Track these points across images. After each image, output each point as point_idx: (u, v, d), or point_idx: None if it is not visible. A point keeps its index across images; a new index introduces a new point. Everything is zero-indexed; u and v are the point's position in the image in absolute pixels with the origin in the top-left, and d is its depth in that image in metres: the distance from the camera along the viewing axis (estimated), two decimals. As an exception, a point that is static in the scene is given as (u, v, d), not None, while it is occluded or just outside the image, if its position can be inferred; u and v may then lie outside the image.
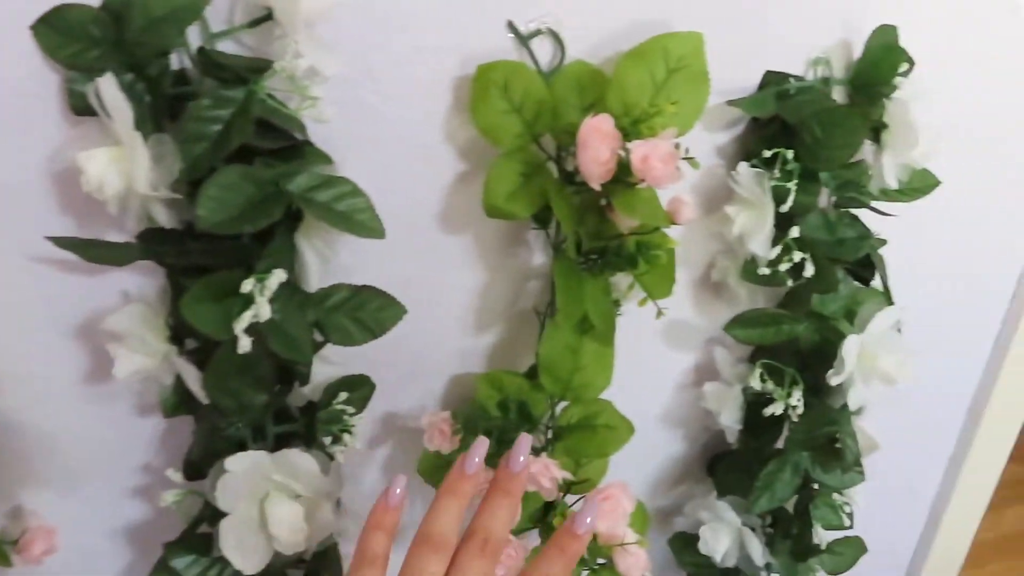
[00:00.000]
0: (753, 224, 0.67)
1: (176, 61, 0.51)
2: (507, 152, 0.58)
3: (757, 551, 0.73)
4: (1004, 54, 0.76)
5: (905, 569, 1.06)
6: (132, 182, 0.49)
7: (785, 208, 0.65)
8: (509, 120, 0.58)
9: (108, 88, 0.47)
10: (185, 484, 0.59)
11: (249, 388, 0.54)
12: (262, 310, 0.49)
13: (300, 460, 0.56)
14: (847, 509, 0.77)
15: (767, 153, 0.65)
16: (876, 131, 0.69)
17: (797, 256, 0.66)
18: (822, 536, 0.76)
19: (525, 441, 0.42)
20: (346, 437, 0.59)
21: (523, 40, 0.59)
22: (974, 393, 0.95)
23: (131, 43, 0.48)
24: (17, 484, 0.61)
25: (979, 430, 0.94)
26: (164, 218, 0.52)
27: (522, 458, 0.41)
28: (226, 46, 0.52)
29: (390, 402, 0.68)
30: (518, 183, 0.58)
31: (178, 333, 0.56)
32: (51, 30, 0.47)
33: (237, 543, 0.56)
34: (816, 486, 0.75)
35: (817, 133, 0.65)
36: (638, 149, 0.55)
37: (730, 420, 0.73)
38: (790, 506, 0.75)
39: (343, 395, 0.60)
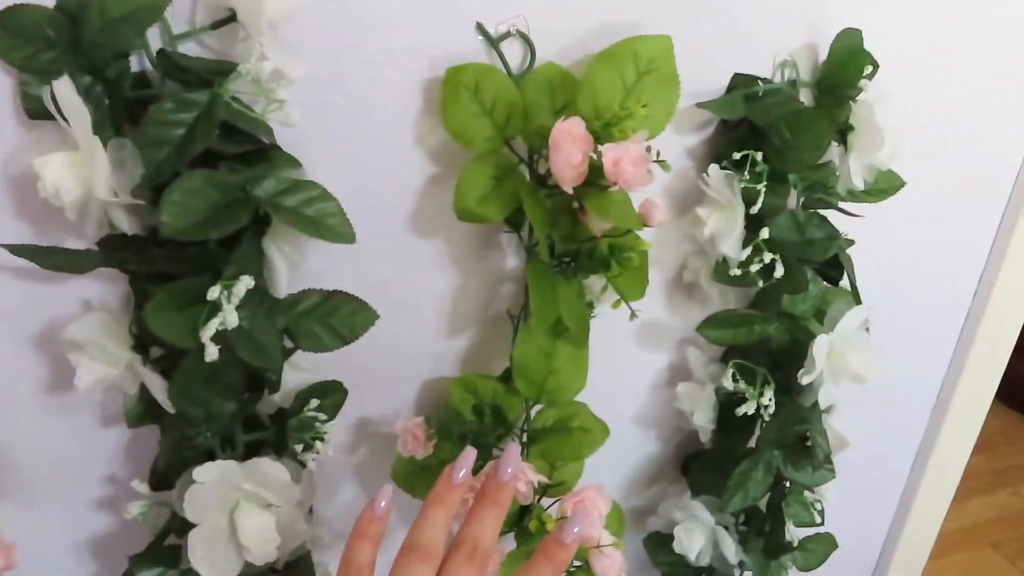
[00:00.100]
0: (724, 226, 0.66)
1: (136, 63, 0.49)
2: (479, 155, 0.57)
3: (731, 549, 0.73)
4: (965, 57, 0.76)
5: (874, 562, 1.06)
6: (91, 188, 0.47)
7: (755, 210, 0.65)
8: (480, 123, 0.57)
9: (64, 91, 0.45)
10: (151, 495, 0.57)
11: (217, 397, 0.52)
12: (229, 317, 0.47)
13: (271, 469, 0.55)
14: (818, 506, 0.77)
15: (737, 155, 0.65)
16: (842, 133, 0.69)
17: (767, 257, 0.66)
18: (794, 533, 0.76)
19: (514, 452, 0.41)
20: (318, 444, 0.58)
21: (493, 42, 0.58)
22: (939, 389, 0.96)
23: (88, 45, 0.46)
24: (-25, 498, 0.59)
25: (944, 425, 0.95)
26: (125, 224, 0.49)
27: (510, 469, 0.41)
28: (188, 48, 0.50)
29: (363, 408, 0.67)
30: (490, 186, 0.57)
31: (142, 341, 0.54)
32: (3, 31, 0.45)
33: (206, 554, 0.54)
34: (788, 484, 0.75)
35: (785, 135, 0.65)
36: (610, 152, 0.54)
37: (703, 420, 0.73)
38: (763, 504, 0.75)
39: (314, 402, 0.58)
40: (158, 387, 0.52)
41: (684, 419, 0.77)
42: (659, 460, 0.81)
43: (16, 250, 0.49)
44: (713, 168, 0.66)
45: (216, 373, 0.49)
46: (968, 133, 0.81)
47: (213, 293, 0.47)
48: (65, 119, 0.46)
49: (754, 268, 0.66)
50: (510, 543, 0.65)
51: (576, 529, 0.40)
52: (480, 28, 0.57)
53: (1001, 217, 0.88)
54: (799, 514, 0.76)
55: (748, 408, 0.69)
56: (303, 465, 0.58)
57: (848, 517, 0.89)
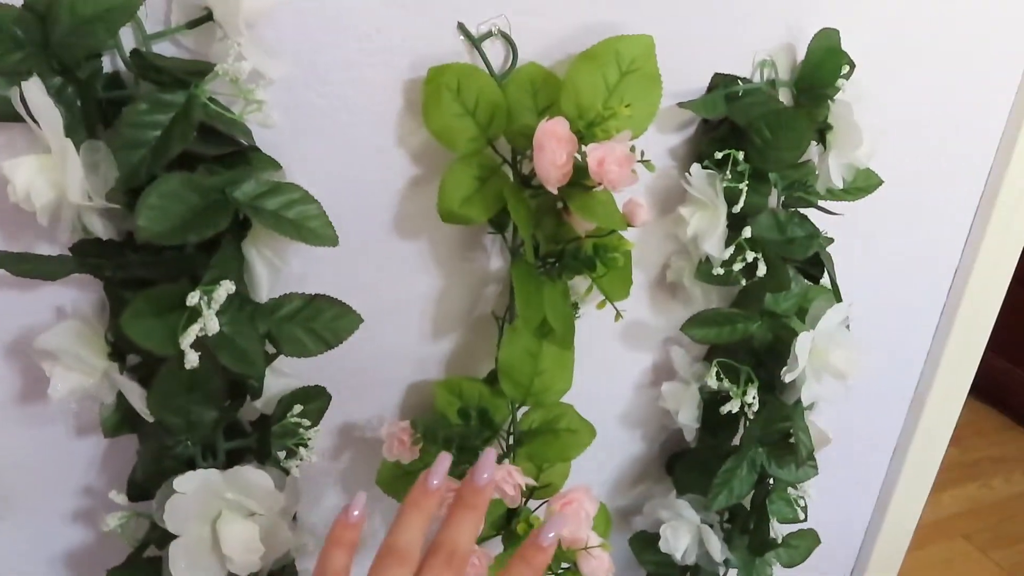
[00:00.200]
0: (707, 225, 0.66)
1: (108, 63, 0.48)
2: (462, 156, 0.56)
3: (716, 548, 0.72)
4: (936, 56, 0.77)
5: (855, 555, 1.07)
6: (64, 192, 0.45)
7: (737, 209, 0.64)
8: (463, 123, 0.56)
9: (34, 92, 0.43)
10: (129, 506, 0.55)
11: (198, 404, 0.50)
12: (210, 323, 0.45)
13: (254, 477, 0.53)
14: (801, 503, 0.77)
15: (718, 155, 0.64)
16: (821, 132, 0.69)
17: (750, 256, 0.65)
18: (778, 530, 0.76)
19: (490, 456, 0.41)
20: (302, 451, 0.56)
21: (475, 42, 0.57)
22: (916, 384, 0.96)
23: (58, 45, 0.44)
24: (-54, 513, 0.56)
25: (922, 419, 0.95)
26: (100, 229, 0.48)
27: (486, 474, 0.41)
28: (162, 48, 0.48)
29: (347, 412, 0.65)
30: (474, 187, 0.56)
31: (119, 349, 0.52)
32: (-32, 31, 0.43)
33: (188, 566, 0.52)
34: (771, 481, 0.74)
35: (766, 134, 0.64)
36: (594, 152, 0.53)
37: (688, 419, 0.72)
38: (747, 502, 0.75)
39: (298, 408, 0.56)
40: (136, 396, 0.50)
41: (668, 418, 0.76)
42: (644, 459, 0.80)
43: (-15, 257, 0.47)
44: (695, 168, 0.65)
45: (196, 380, 0.48)
46: (940, 131, 0.81)
47: (193, 299, 0.45)
48: (36, 121, 0.44)
49: (737, 267, 0.65)
50: (498, 546, 0.64)
51: (551, 534, 0.40)
52: (462, 28, 0.56)
53: (974, 214, 0.89)
54: (782, 511, 0.76)
55: (732, 406, 0.68)
56: (287, 472, 0.56)
57: (829, 512, 0.89)
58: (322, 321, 0.53)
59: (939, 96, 0.79)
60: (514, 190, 0.57)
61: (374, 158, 0.58)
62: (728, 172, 0.64)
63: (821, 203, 0.72)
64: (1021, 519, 1.74)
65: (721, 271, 0.66)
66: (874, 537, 1.03)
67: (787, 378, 0.68)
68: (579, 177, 0.55)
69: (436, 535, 0.40)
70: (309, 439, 0.56)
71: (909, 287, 0.89)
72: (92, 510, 0.60)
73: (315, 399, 0.58)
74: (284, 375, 0.58)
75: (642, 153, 0.56)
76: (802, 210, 0.71)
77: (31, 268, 0.48)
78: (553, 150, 0.53)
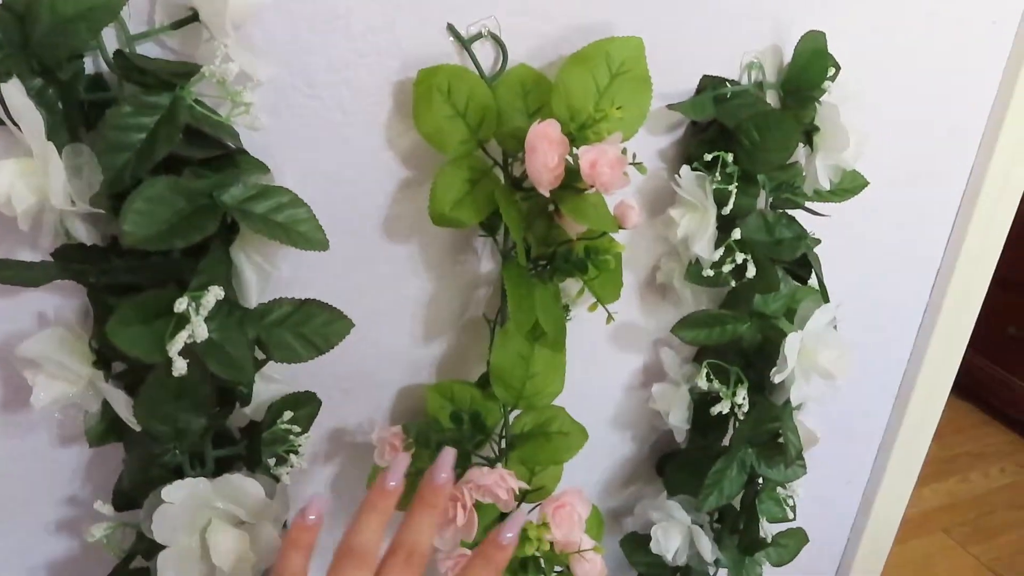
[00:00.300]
0: (696, 226, 0.65)
1: (91, 65, 0.46)
2: (453, 158, 0.55)
3: (707, 548, 0.72)
4: (920, 60, 0.77)
5: (841, 552, 1.07)
6: (46, 196, 0.43)
7: (726, 210, 0.64)
8: (454, 125, 0.54)
9: (14, 94, 0.41)
10: (115, 516, 0.53)
11: (186, 412, 0.48)
12: (198, 330, 0.44)
13: (244, 485, 0.51)
14: (790, 502, 0.76)
15: (708, 156, 0.64)
16: (808, 134, 0.69)
17: (739, 257, 0.65)
18: (767, 529, 0.75)
19: (448, 455, 0.42)
20: (292, 458, 0.55)
21: (464, 44, 0.56)
22: (899, 382, 0.96)
23: (39, 45, 0.42)
24: (-74, 525, 0.54)
25: (906, 416, 0.96)
26: (83, 234, 0.46)
27: (444, 474, 0.41)
28: (146, 49, 0.47)
29: (337, 417, 0.64)
30: (465, 190, 0.55)
31: (104, 356, 0.50)
32: (-57, 30, 0.41)
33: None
34: (761, 481, 0.74)
35: (754, 136, 0.64)
36: (586, 154, 0.52)
37: (678, 420, 0.71)
38: (736, 502, 0.74)
39: (288, 414, 0.55)
40: (122, 404, 0.48)
41: (658, 419, 0.76)
42: (634, 461, 0.80)
43: (-35, 263, 0.45)
44: (685, 169, 0.64)
45: (184, 388, 0.46)
46: (921, 133, 0.81)
47: (181, 305, 0.43)
48: (16, 124, 0.42)
49: (726, 268, 0.65)
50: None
51: (510, 534, 0.40)
52: (451, 29, 0.55)
53: (955, 216, 0.89)
54: (772, 510, 0.76)
55: (723, 407, 0.68)
56: (277, 479, 0.55)
57: (815, 510, 0.89)
58: (313, 326, 0.51)
59: (920, 99, 0.79)
60: (505, 193, 0.56)
61: (364, 160, 0.56)
62: (717, 174, 0.64)
63: (808, 204, 0.71)
64: (999, 514, 1.76)
65: (711, 272, 0.65)
66: (860, 533, 1.03)
67: (776, 379, 0.67)
68: (571, 179, 0.54)
69: (395, 535, 0.40)
70: (299, 446, 0.55)
71: (893, 287, 0.89)
72: (76, 520, 0.58)
73: (305, 405, 0.57)
74: (273, 381, 0.56)
75: (634, 156, 0.55)
76: (789, 211, 0.70)
77: (13, 275, 0.46)
78: (545, 152, 0.52)
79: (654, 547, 0.73)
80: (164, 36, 0.47)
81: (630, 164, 0.54)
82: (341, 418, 0.64)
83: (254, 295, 0.52)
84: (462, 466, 0.58)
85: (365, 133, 0.56)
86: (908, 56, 0.76)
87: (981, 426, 2.06)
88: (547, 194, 0.53)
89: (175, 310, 0.44)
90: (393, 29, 0.53)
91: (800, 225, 0.69)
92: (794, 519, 0.77)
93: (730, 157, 0.63)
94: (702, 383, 0.69)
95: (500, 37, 0.56)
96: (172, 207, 0.44)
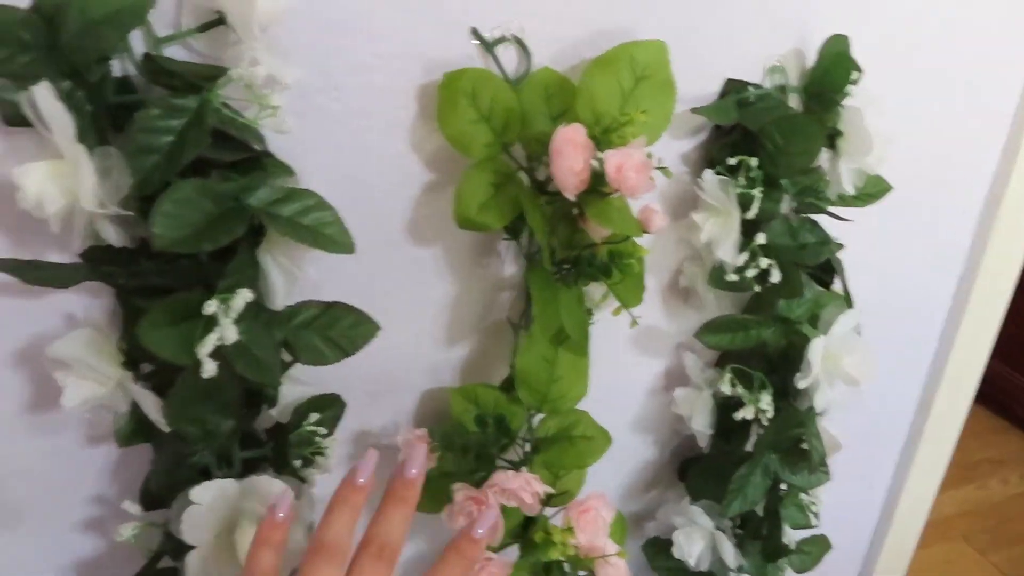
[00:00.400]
0: (720, 231, 0.64)
1: (117, 67, 0.45)
2: (477, 162, 0.54)
3: (730, 554, 0.70)
4: (944, 63, 0.75)
5: (862, 559, 1.04)
6: (76, 198, 0.42)
7: (750, 215, 0.62)
8: (478, 129, 0.53)
9: (45, 97, 0.41)
10: (142, 516, 0.53)
11: (215, 414, 0.48)
12: (228, 332, 0.43)
13: (271, 486, 0.50)
14: (814, 508, 0.74)
15: (732, 160, 0.62)
16: (831, 138, 0.67)
17: (764, 262, 0.63)
18: (791, 536, 0.74)
19: (419, 450, 0.42)
20: (319, 460, 0.54)
21: (488, 47, 0.55)
22: (922, 389, 0.94)
23: (67, 48, 0.41)
24: (-44, 524, 0.54)
25: (928, 423, 0.93)
26: (113, 236, 0.45)
27: (415, 469, 0.41)
28: (172, 52, 0.46)
29: (361, 420, 0.63)
30: (490, 193, 0.54)
31: (132, 357, 0.49)
32: (-28, 34, 0.41)
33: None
34: (784, 487, 0.72)
35: (778, 140, 0.62)
36: (612, 159, 0.51)
37: (701, 425, 0.70)
38: (759, 508, 0.73)
39: (314, 416, 0.54)
40: (152, 405, 0.48)
41: (680, 424, 0.74)
42: (656, 465, 0.78)
43: (-2, 265, 0.45)
44: (708, 173, 0.63)
45: (213, 390, 0.45)
46: (944, 137, 0.79)
47: (210, 307, 0.43)
48: (46, 127, 0.42)
49: (750, 273, 0.63)
50: (515, 554, 0.61)
51: (481, 530, 0.40)
52: (475, 33, 0.54)
53: (977, 221, 0.87)
54: (794, 516, 0.74)
55: (747, 413, 0.66)
56: (303, 481, 0.54)
57: (836, 516, 0.86)
58: (339, 329, 0.51)
59: (942, 102, 0.77)
60: (530, 196, 0.55)
61: (387, 163, 0.56)
62: (741, 178, 0.63)
63: (830, 208, 0.70)
64: (1018, 521, 1.72)
65: (735, 277, 0.64)
66: (881, 540, 1.00)
67: (801, 384, 0.65)
68: (596, 183, 0.53)
69: (367, 530, 0.40)
70: (326, 447, 0.54)
71: (914, 292, 0.87)
72: (103, 519, 0.57)
73: (330, 407, 0.56)
74: (299, 383, 0.56)
75: (659, 160, 0.54)
76: (812, 216, 0.69)
77: (44, 276, 0.46)
78: (571, 156, 0.51)
79: (676, 552, 0.71)
80: (190, 39, 0.47)
81: (655, 168, 0.53)
82: (365, 420, 0.63)
83: (280, 298, 0.51)
84: (486, 469, 0.57)
85: (388, 136, 0.55)
86: (929, 59, 0.74)
87: (1000, 432, 2.01)
88: (573, 198, 0.52)
89: (205, 312, 0.43)
90: (416, 32, 0.53)
91: (823, 230, 0.68)
92: (817, 526, 0.76)
93: (754, 161, 0.62)
94: (726, 388, 0.67)
95: (524, 40, 0.55)
96: (200, 210, 0.44)
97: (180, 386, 0.45)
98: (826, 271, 0.70)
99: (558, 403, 0.60)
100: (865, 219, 0.73)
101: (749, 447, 0.71)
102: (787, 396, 0.68)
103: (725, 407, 0.69)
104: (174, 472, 0.50)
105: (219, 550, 0.50)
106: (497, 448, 0.58)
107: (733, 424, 0.68)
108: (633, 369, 0.73)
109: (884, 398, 0.91)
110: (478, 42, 0.54)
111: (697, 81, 0.63)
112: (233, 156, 0.47)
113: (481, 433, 0.57)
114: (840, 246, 0.70)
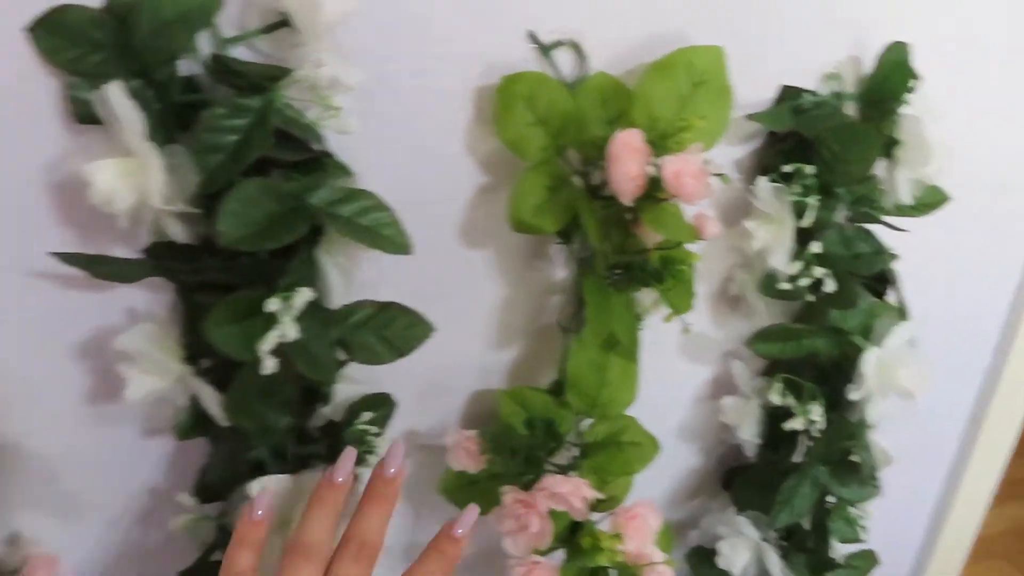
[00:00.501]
0: (774, 239, 0.62)
1: (184, 67, 0.46)
2: (533, 165, 0.53)
3: (776, 566, 0.68)
4: (1007, 72, 0.72)
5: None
6: (146, 196, 0.43)
7: (806, 223, 0.61)
8: (534, 132, 0.53)
9: (117, 96, 0.41)
10: (196, 509, 0.53)
11: (272, 410, 0.48)
12: (288, 330, 0.43)
13: (324, 482, 0.50)
14: (862, 522, 0.72)
15: (787, 168, 0.61)
16: (887, 147, 0.65)
17: (818, 271, 0.61)
18: (838, 550, 0.71)
19: (398, 449, 0.41)
20: (370, 458, 0.53)
21: (545, 51, 0.54)
22: (974, 403, 0.90)
23: (138, 48, 0.42)
24: (16, 510, 0.54)
25: (980, 437, 0.90)
26: (178, 233, 0.45)
27: (394, 468, 0.40)
28: (238, 52, 0.46)
29: (410, 420, 0.62)
30: (545, 197, 0.53)
31: (192, 352, 0.50)
32: (49, 32, 0.41)
33: (259, 570, 0.50)
34: (832, 500, 0.70)
35: (834, 148, 0.60)
36: (670, 165, 0.50)
37: (749, 434, 0.68)
38: (805, 520, 0.70)
39: (367, 415, 0.54)
40: (211, 400, 0.48)
41: (726, 432, 0.72)
42: (700, 473, 0.76)
43: (68, 259, 0.45)
44: (762, 181, 0.61)
45: (271, 386, 0.45)
46: (1002, 145, 0.76)
47: (272, 305, 0.43)
48: (118, 125, 0.42)
49: (804, 282, 0.61)
50: (560, 559, 0.60)
51: (461, 530, 0.40)
52: (532, 36, 0.53)
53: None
54: (843, 530, 0.71)
55: (796, 423, 0.64)
56: (355, 478, 0.54)
57: (881, 530, 0.83)
58: (395, 329, 0.50)
59: (1000, 111, 0.74)
60: (586, 201, 0.54)
61: (442, 166, 0.55)
62: (796, 185, 0.61)
63: (885, 218, 0.67)
64: (1065, 543, 1.64)
65: (788, 286, 0.62)
66: (928, 556, 0.97)
67: (854, 396, 0.63)
68: (652, 189, 0.51)
69: (347, 528, 0.39)
70: (377, 446, 0.53)
71: (968, 304, 0.84)
72: (159, 511, 0.58)
73: (381, 406, 0.55)
74: (352, 381, 0.55)
75: (716, 167, 0.52)
76: (866, 225, 0.67)
77: (111, 271, 0.46)
78: (628, 162, 0.50)
79: (721, 562, 0.69)
80: (255, 40, 0.47)
81: (713, 175, 0.51)
82: (413, 420, 0.63)
83: (337, 297, 0.51)
84: (534, 472, 0.56)
85: (445, 138, 0.54)
86: (988, 67, 0.71)
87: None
88: (629, 203, 0.51)
89: (266, 310, 0.43)
90: (474, 36, 0.52)
91: (878, 240, 0.66)
92: (866, 540, 0.73)
93: (810, 169, 0.60)
94: (775, 398, 0.65)
95: (580, 45, 0.55)
96: (264, 209, 0.44)
97: (240, 382, 0.45)
98: (880, 281, 0.68)
99: (607, 408, 0.59)
100: (920, 229, 0.70)
101: (796, 458, 0.69)
102: (838, 407, 0.66)
103: (773, 417, 0.67)
104: (230, 466, 0.50)
105: (274, 544, 0.50)
106: (545, 451, 0.57)
107: (781, 434, 0.66)
108: (680, 376, 0.71)
109: (935, 411, 0.88)
110: (535, 46, 0.54)
111: (752, 87, 0.62)
112: (295, 156, 0.47)
113: (530, 436, 0.56)
114: (895, 256, 0.68)
